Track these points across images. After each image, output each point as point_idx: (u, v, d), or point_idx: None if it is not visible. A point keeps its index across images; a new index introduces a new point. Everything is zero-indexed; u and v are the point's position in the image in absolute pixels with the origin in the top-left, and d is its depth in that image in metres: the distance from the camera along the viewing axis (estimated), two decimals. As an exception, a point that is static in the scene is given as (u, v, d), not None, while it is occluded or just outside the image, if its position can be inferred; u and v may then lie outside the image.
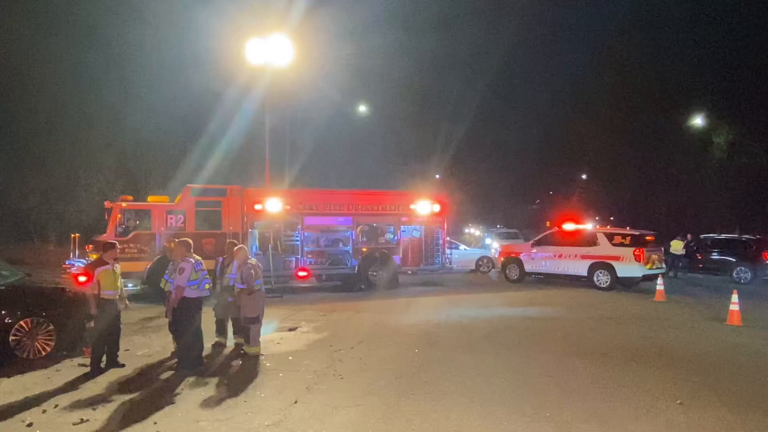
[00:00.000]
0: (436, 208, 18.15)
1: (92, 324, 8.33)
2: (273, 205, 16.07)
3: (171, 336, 8.75)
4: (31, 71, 27.34)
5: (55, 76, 27.13)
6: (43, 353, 8.42)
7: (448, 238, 19.50)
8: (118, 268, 8.30)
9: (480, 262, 23.66)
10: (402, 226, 17.93)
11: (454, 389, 7.14)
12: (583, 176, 50.62)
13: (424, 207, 17.95)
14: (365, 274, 17.14)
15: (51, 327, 8.54)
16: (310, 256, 16.94)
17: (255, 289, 8.76)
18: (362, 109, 33.25)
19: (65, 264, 15.29)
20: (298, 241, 16.68)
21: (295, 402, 6.62)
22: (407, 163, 41.40)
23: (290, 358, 8.73)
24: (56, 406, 6.41)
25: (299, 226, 16.64)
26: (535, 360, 8.71)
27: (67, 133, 27.18)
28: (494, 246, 25.03)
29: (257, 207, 15.97)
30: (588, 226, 20.88)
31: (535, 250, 19.23)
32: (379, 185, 24.87)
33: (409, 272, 18.85)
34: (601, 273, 17.35)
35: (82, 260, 15.42)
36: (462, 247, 24.39)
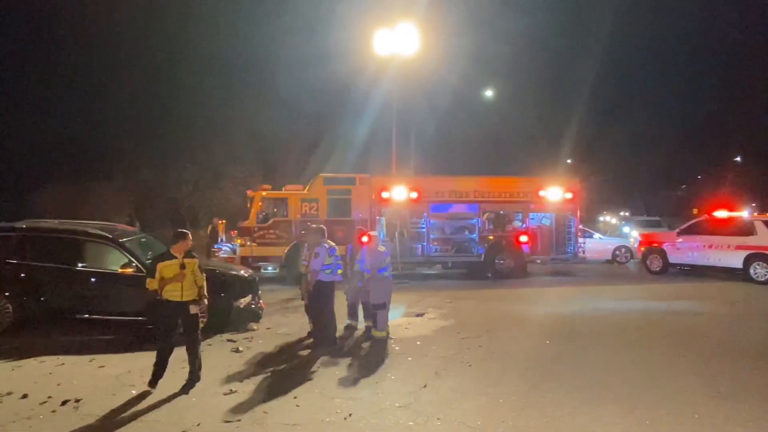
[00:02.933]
0: (568, 194, 17.37)
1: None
2: (399, 192, 16.36)
3: (307, 317, 9.24)
4: (182, 72, 30.11)
5: (202, 75, 29.64)
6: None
7: (581, 226, 18.60)
8: (194, 263, 6.90)
9: (617, 252, 22.31)
10: (531, 214, 17.39)
11: (588, 384, 6.82)
12: (737, 159, 45.66)
13: (555, 193, 17.25)
14: (492, 262, 16.89)
15: (204, 304, 9.35)
16: (435, 243, 17.03)
17: (383, 276, 9.00)
18: (489, 94, 32.61)
19: (214, 248, 16.73)
20: (423, 228, 16.83)
21: (425, 386, 6.71)
22: (536, 149, 39.98)
23: (418, 343, 8.85)
24: (208, 377, 7.05)
25: (425, 214, 16.77)
26: (681, 358, 8.05)
27: (215, 127, 29.61)
28: (633, 235, 23.46)
29: (384, 195, 16.35)
30: (744, 214, 18.84)
31: (681, 240, 17.72)
32: (506, 172, 24.27)
33: (538, 261, 18.27)
34: (758, 265, 15.61)
35: (228, 245, 16.79)
36: (597, 235, 23.15)
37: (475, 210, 17.03)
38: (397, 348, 8.53)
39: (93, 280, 9.26)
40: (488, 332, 9.65)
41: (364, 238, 9.41)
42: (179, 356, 7.84)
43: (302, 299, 9.07)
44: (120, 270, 9.27)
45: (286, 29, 29.53)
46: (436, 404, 6.12)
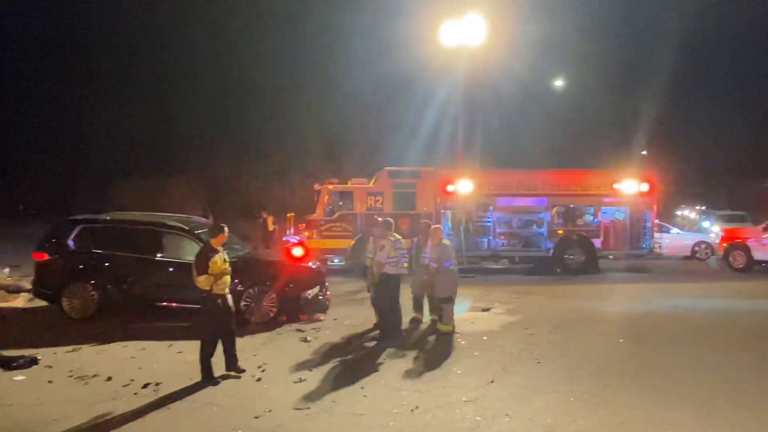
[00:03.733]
0: (644, 187, 16.61)
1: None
2: (465, 186, 16.18)
3: (374, 309, 9.31)
4: (253, 70, 30.99)
5: (272, 72, 30.40)
6: (267, 318, 9.54)
7: (657, 221, 17.77)
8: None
9: (696, 248, 21.16)
10: (603, 207, 16.78)
11: (665, 385, 6.52)
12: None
13: (630, 186, 16.55)
14: (561, 257, 16.44)
15: (274, 295, 9.64)
16: (502, 237, 16.75)
17: (448, 269, 8.93)
18: (558, 84, 31.65)
19: (283, 240, 17.15)
20: (489, 222, 16.59)
21: (492, 381, 6.62)
22: (609, 141, 38.46)
23: (485, 338, 8.75)
24: (278, 365, 7.25)
25: (491, 207, 16.52)
26: (766, 363, 7.56)
27: (284, 123, 30.36)
28: (714, 230, 22.18)
29: (450, 188, 16.22)
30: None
31: (767, 236, 16.62)
32: (577, 164, 23.53)
33: (611, 257, 17.59)
34: None
35: (296, 237, 17.16)
36: (674, 230, 22.06)
37: (544, 204, 16.61)
38: (463, 342, 8.47)
39: (171, 269, 9.69)
40: (557, 329, 9.41)
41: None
42: (249, 344, 8.14)
43: (368, 291, 9.14)
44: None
45: (352, 24, 29.82)
46: (504, 400, 6.03)
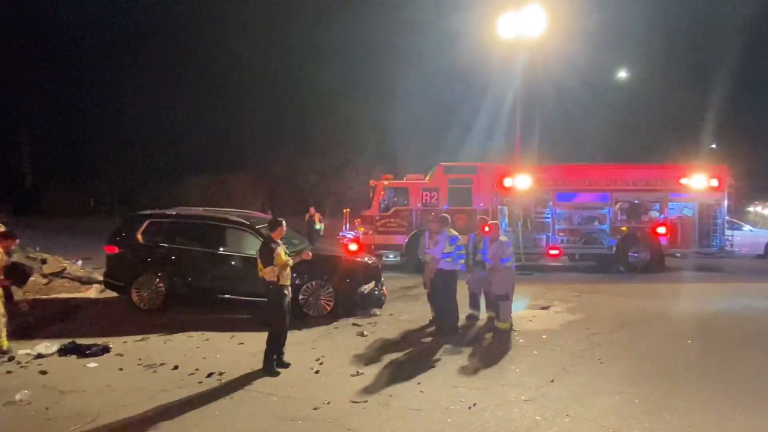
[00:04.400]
0: (714, 182, 15.83)
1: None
2: (523, 181, 15.88)
3: (430, 305, 9.28)
4: (309, 68, 31.45)
5: (328, 69, 30.73)
6: (325, 312, 9.67)
7: (728, 217, 16.90)
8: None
9: (771, 246, 20.02)
10: (670, 203, 16.10)
11: (736, 390, 6.20)
12: None
13: (699, 181, 15.80)
14: (625, 255, 15.89)
15: (331, 289, 9.76)
16: (561, 234, 16.34)
17: (504, 266, 8.79)
18: (621, 76, 30.50)
19: (339, 235, 17.34)
20: (549, 218, 16.22)
21: (552, 381, 6.48)
22: (676, 134, 36.84)
23: (544, 336, 8.56)
24: (335, 358, 7.33)
25: (550, 203, 16.15)
26: None
27: (340, 120, 30.65)
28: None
29: (507, 183, 15.95)
30: None
31: None
32: (641, 158, 22.64)
33: (678, 255, 16.88)
34: None
35: (351, 232, 17.32)
36: (747, 227, 20.94)
37: (607, 199, 16.10)
38: (521, 340, 8.32)
39: (233, 263, 9.98)
40: (621, 328, 9.11)
41: (486, 228, 9.26)
42: (307, 338, 8.27)
43: (425, 288, 9.12)
44: (256, 254, 9.89)
45: (409, 19, 29.74)
46: (564, 400, 5.89)
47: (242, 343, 8.04)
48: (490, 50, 21.69)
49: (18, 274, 7.56)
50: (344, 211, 18.78)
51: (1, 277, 7.27)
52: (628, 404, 5.79)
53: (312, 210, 19.59)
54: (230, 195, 31.28)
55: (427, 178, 16.66)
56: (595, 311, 10.42)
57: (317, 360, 7.20)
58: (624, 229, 16.00)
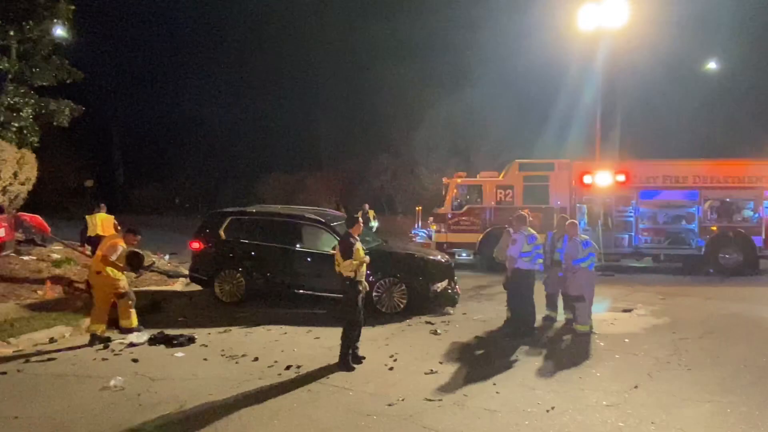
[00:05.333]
0: (816, 179, 14.60)
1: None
2: (603, 178, 15.27)
3: (505, 304, 9.13)
4: (381, 67, 31.66)
5: (401, 67, 30.81)
6: (398, 309, 9.71)
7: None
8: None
9: None
10: (766, 202, 15.00)
11: None
12: None
13: (798, 178, 14.63)
14: (714, 256, 14.95)
15: (403, 287, 9.79)
16: (645, 233, 15.57)
17: (580, 267, 8.51)
18: (712, 67, 28.65)
19: (411, 233, 17.36)
20: (631, 217, 15.51)
21: (635, 387, 6.21)
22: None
23: (626, 340, 8.22)
24: (409, 355, 7.35)
25: (633, 201, 15.43)
26: None
27: (413, 117, 30.68)
28: None
29: (586, 180, 15.40)
30: None
31: None
32: (732, 154, 21.20)
33: (774, 257, 15.69)
34: None
35: (424, 230, 17.29)
36: None
37: (695, 197, 15.20)
38: (602, 344, 8.02)
39: (309, 259, 10.23)
40: (710, 334, 8.60)
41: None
42: (380, 334, 8.34)
43: (504, 287, 8.99)
44: (332, 251, 10.10)
45: (482, 14, 29.31)
46: (649, 407, 5.63)
47: (318, 338, 8.22)
48: (569, 43, 21.03)
49: (135, 261, 8.26)
50: (416, 209, 18.77)
51: (123, 264, 8.08)
52: (719, 414, 5.46)
53: (366, 206, 19.60)
54: (306, 193, 32.05)
55: (501, 176, 16.36)
56: (681, 315, 9.89)
57: (391, 357, 7.25)
58: (714, 228, 15.05)
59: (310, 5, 33.52)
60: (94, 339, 7.77)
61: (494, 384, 6.27)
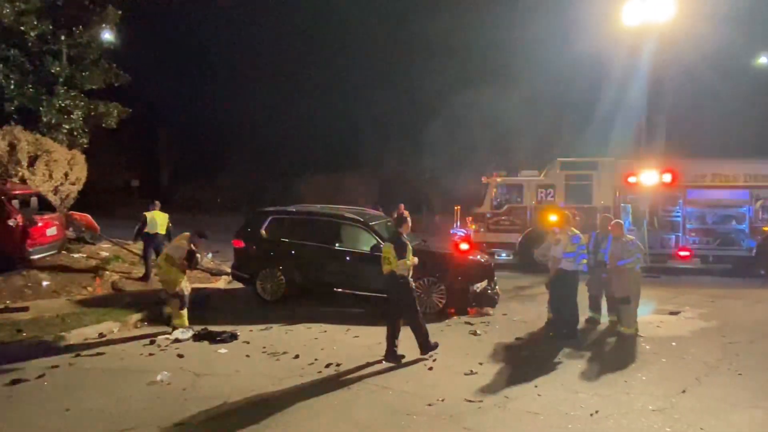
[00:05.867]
0: None
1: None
2: (649, 177, 14.86)
3: (546, 305, 8.99)
4: (420, 66, 31.59)
5: (439, 65, 30.67)
6: (436, 309, 9.67)
7: None
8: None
9: None
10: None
11: None
12: None
13: None
14: (766, 258, 14.36)
15: (443, 287, 9.74)
16: (693, 234, 15.08)
17: (625, 268, 8.30)
18: (762, 62, 27.51)
19: (450, 233, 17.26)
20: (678, 216, 15.05)
21: (683, 392, 6.03)
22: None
23: (673, 344, 7.98)
24: (448, 355, 7.30)
25: (680, 200, 14.98)
26: None
27: (452, 116, 30.51)
28: None
29: (631, 180, 15.02)
30: None
31: None
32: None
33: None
34: None
35: (463, 230, 17.17)
36: None
37: (746, 196, 14.65)
38: (647, 347, 7.82)
39: (348, 258, 10.28)
40: (763, 338, 8.30)
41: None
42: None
43: (546, 288, 8.87)
44: (370, 250, 10.15)
45: (524, 11, 28.83)
46: (697, 412, 5.46)
47: (357, 336, 8.26)
48: (613, 39, 20.53)
49: (192, 259, 8.57)
50: (455, 208, 18.63)
51: (183, 262, 8.45)
52: (774, 422, 5.25)
53: (401, 207, 19.40)
54: (345, 193, 32.26)
55: (542, 175, 16.11)
56: (731, 318, 9.55)
57: (430, 356, 7.22)
58: (766, 229, 14.47)
59: (350, 5, 33.65)
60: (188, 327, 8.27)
61: (536, 386, 6.18)
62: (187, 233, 8.82)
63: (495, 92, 29.79)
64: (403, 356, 7.04)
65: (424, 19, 32.17)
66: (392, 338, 7.06)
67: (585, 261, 8.34)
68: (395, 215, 18.72)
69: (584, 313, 8.97)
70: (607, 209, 14.37)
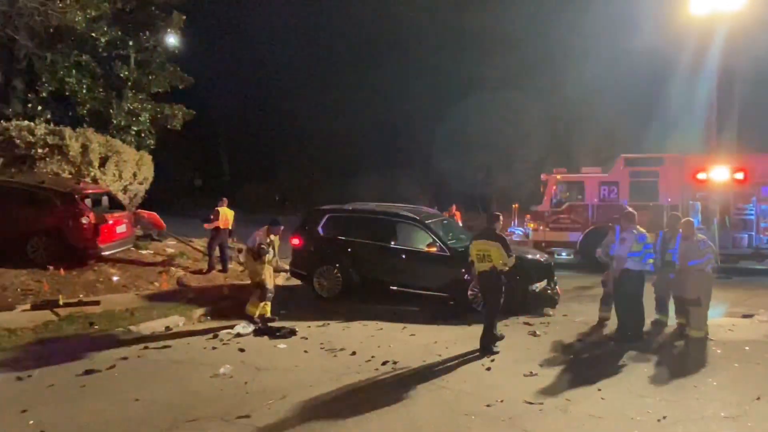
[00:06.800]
0: None
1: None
2: (720, 173, 14.15)
3: (599, 303, 8.74)
4: (471, 63, 31.21)
5: (491, 61, 30.20)
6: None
7: None
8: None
9: None
10: None
11: None
12: None
13: None
14: None
15: (500, 286, 9.57)
16: (767, 233, 14.26)
17: (695, 268, 7.91)
18: None
19: (507, 231, 16.97)
20: (752, 215, 14.27)
21: (758, 399, 5.71)
22: None
23: (746, 348, 7.55)
24: (507, 356, 7.18)
25: (754, 198, 14.19)
26: None
27: (507, 112, 30.01)
28: None
29: (700, 176, 14.34)
30: None
31: None
32: None
33: None
34: None
35: (520, 228, 16.86)
36: None
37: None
38: (718, 351, 7.43)
39: (403, 256, 10.28)
40: None
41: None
42: (476, 333, 8.20)
43: (604, 286, 8.58)
44: (426, 248, 10.12)
45: (585, 1, 27.98)
46: (775, 422, 5.14)
47: (413, 335, 8.24)
48: (680, 29, 19.64)
49: (259, 250, 8.77)
50: (513, 206, 18.32)
51: (254, 254, 8.76)
52: None
53: (453, 208, 19.11)
54: (399, 191, 32.27)
55: (605, 172, 15.60)
56: (814, 323, 8.95)
57: (488, 356, 7.12)
58: None
59: (404, 2, 33.57)
60: (253, 320, 8.57)
61: (599, 389, 5.98)
62: (265, 226, 8.99)
63: (554, 87, 29.11)
64: (497, 351, 7.28)
65: (475, 12, 31.72)
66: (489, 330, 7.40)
67: (651, 260, 8.00)
68: (447, 215, 18.67)
69: (650, 315, 8.62)
70: (674, 207, 13.78)
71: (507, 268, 7.39)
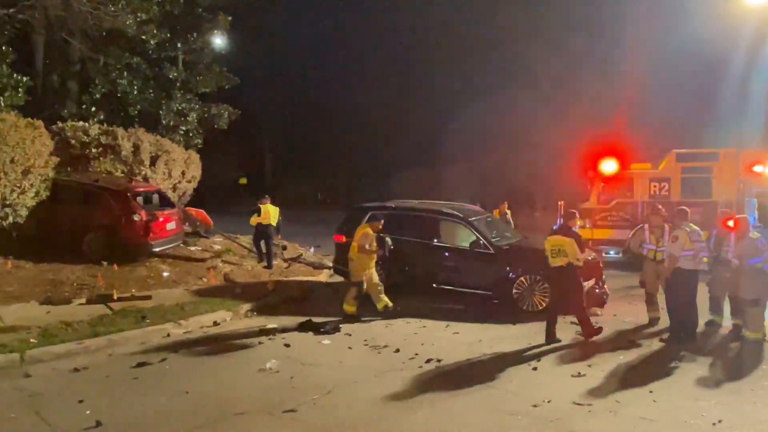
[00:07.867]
0: None
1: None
2: (779, 167, 13.51)
3: (645, 303, 8.50)
4: (517, 58, 30.74)
5: (536, 56, 29.69)
6: (539, 308, 9.34)
7: None
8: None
9: None
10: None
11: None
12: None
13: None
14: None
15: (546, 285, 9.40)
16: (831, 231, 13.54)
17: (754, 267, 7.57)
18: None
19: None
20: (813, 211, 13.55)
21: (821, 405, 5.43)
22: None
23: (809, 352, 7.21)
24: (554, 356, 7.05)
25: (816, 194, 13.48)
26: None
27: (553, 106, 29.49)
28: None
29: (756, 168, 13.72)
30: None
31: None
32: None
33: None
34: None
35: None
36: None
37: None
38: (777, 354, 7.11)
39: (447, 254, 10.22)
40: None
41: (730, 223, 8.08)
42: (522, 333, 8.09)
43: (641, 286, 8.41)
44: (469, 246, 10.02)
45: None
46: (843, 430, 4.88)
47: (457, 333, 8.19)
48: (735, 20, 18.87)
49: (383, 244, 9.14)
50: (558, 203, 17.93)
51: (375, 248, 9.01)
52: None
53: (506, 205, 18.66)
54: (442, 188, 32.12)
55: (656, 168, 15.09)
56: None
57: (535, 356, 7.01)
58: None
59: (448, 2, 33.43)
60: (355, 318, 8.84)
61: (651, 392, 5.81)
62: (365, 224, 9.37)
63: (601, 80, 28.40)
64: (559, 340, 7.58)
65: (522, 5, 31.23)
66: (552, 324, 7.65)
67: (706, 259, 7.71)
68: (497, 213, 18.37)
69: (704, 316, 8.32)
70: (730, 204, 13.23)
71: (581, 264, 7.63)
